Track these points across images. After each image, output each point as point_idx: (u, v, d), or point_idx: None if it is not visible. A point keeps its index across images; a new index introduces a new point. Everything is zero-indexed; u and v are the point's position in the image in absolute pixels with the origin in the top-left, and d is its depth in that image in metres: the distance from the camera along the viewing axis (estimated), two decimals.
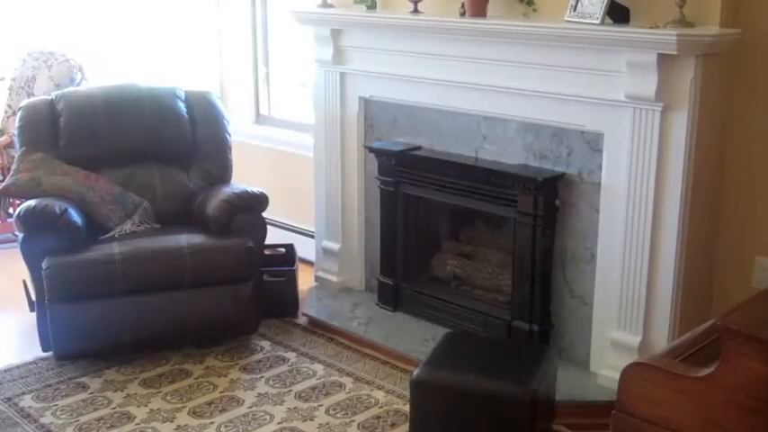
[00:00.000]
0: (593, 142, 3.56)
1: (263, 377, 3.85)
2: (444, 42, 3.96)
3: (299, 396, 3.68)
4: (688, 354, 2.74)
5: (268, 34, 5.72)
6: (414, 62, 4.13)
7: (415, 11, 4.01)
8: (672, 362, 2.65)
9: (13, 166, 4.32)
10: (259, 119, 5.73)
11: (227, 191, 4.28)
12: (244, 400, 3.65)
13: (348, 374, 3.87)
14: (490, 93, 3.84)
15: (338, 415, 3.53)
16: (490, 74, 3.81)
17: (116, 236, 4.12)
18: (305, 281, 4.71)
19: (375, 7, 4.27)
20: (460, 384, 3.08)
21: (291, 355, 4.05)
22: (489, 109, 3.89)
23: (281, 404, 3.61)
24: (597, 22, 3.34)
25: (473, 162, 3.99)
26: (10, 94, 5.91)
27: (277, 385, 3.77)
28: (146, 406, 3.60)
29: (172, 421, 3.48)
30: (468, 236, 4.37)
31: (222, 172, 4.57)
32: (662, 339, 3.43)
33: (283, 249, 4.67)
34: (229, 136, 4.64)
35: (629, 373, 2.66)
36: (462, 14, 3.84)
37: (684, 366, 2.61)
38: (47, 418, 3.51)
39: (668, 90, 3.26)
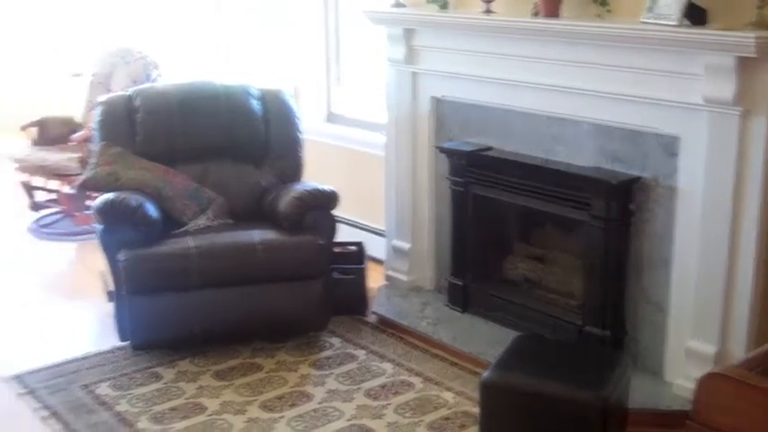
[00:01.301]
0: (669, 146, 3.51)
1: (332, 374, 3.88)
2: (517, 42, 3.94)
3: (368, 394, 3.71)
4: (766, 365, 2.68)
5: (340, 33, 5.75)
6: (486, 62, 4.11)
7: (488, 11, 4.00)
8: (749, 373, 2.60)
9: (92, 160, 4.43)
10: (331, 117, 5.77)
11: (298, 188, 4.32)
12: (314, 396, 3.69)
13: (417, 374, 3.88)
14: (563, 94, 3.81)
15: (407, 414, 3.55)
16: (563, 75, 3.77)
17: (190, 230, 4.20)
18: (374, 279, 4.73)
19: (447, 7, 4.27)
20: (531, 388, 3.06)
21: (361, 353, 4.08)
22: (561, 110, 3.86)
23: (350, 401, 3.64)
24: (674, 23, 3.27)
25: (544, 164, 3.96)
26: (90, 89, 6.06)
27: (346, 382, 3.81)
28: (217, 398, 3.67)
29: (243, 413, 3.54)
30: (539, 238, 4.34)
31: (294, 170, 4.62)
32: (739, 349, 3.36)
33: (353, 247, 4.70)
34: (301, 134, 4.69)
35: (704, 383, 2.62)
36: (535, 15, 3.82)
37: (762, 378, 2.56)
38: (122, 407, 3.59)
39: (747, 94, 3.19)
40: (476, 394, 3.36)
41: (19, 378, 3.83)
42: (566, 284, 4.10)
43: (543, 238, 4.32)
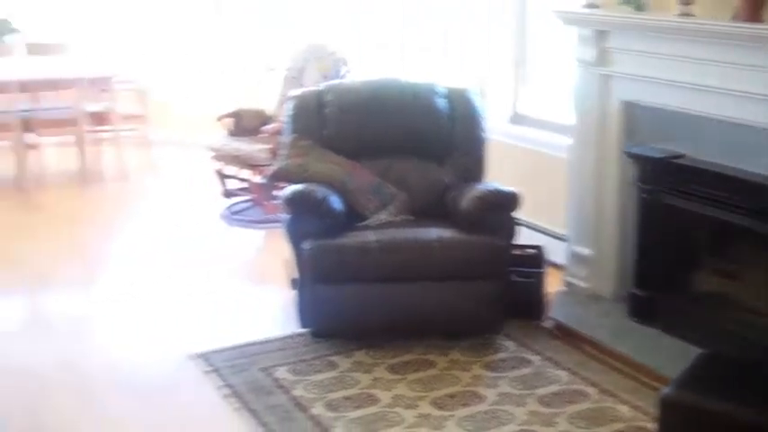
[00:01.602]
0: None
1: (505, 377, 3.84)
2: (716, 47, 3.74)
3: (540, 400, 3.64)
4: None
5: (528, 32, 5.68)
6: (682, 66, 3.94)
7: (686, 14, 3.83)
8: None
9: (283, 152, 4.60)
10: (516, 118, 5.71)
11: (480, 188, 4.32)
12: (485, 397, 3.67)
13: (593, 384, 3.77)
14: (762, 103, 3.59)
15: (580, 424, 3.46)
16: (763, 83, 3.55)
17: (372, 224, 4.28)
18: (552, 284, 4.65)
19: (643, 9, 4.12)
20: (717, 411, 2.90)
21: (535, 358, 4.02)
22: (761, 119, 3.63)
23: (522, 406, 3.59)
24: None
25: (743, 175, 3.74)
26: (284, 84, 6.29)
27: (519, 386, 3.76)
28: (390, 391, 3.71)
29: (414, 408, 3.56)
30: (731, 253, 4.11)
31: (476, 169, 4.61)
32: None
33: (532, 251, 4.64)
34: (486, 134, 4.67)
35: None
36: (735, 18, 3.61)
37: None
38: (298, 391, 3.71)
39: None
40: (653, 410, 3.23)
41: (205, 356, 4.03)
42: (759, 303, 3.87)
43: (736, 253, 4.10)
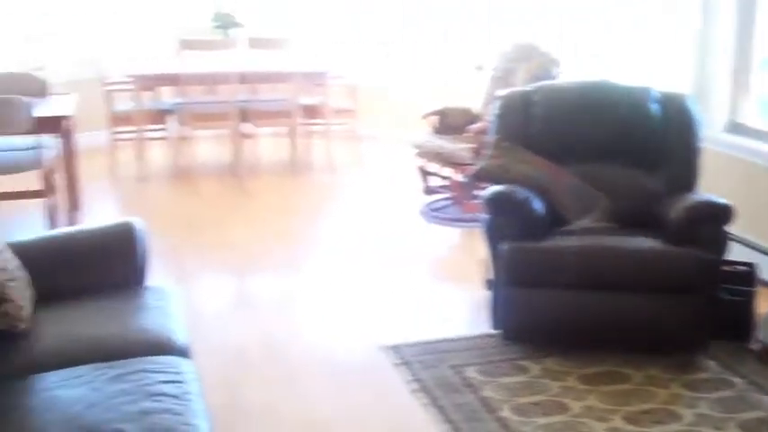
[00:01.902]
0: None
1: (706, 398, 3.64)
2: None
3: (742, 426, 3.42)
4: None
5: (753, 39, 5.35)
6: None
7: None
8: None
9: (486, 151, 4.59)
10: (732, 126, 5.41)
11: (690, 198, 4.13)
12: (682, 417, 3.49)
13: None
14: None
15: None
16: None
17: (574, 229, 4.19)
18: (763, 305, 4.37)
19: None
20: None
21: (739, 382, 3.79)
22: None
23: (721, 429, 3.39)
24: None
25: None
26: (491, 83, 6.28)
27: (719, 409, 3.55)
28: (581, 401, 3.61)
29: (605, 421, 3.45)
30: None
31: (688, 179, 4.39)
32: None
33: (744, 267, 4.37)
34: (701, 142, 4.46)
35: None
36: None
37: None
38: (486, 392, 3.69)
39: None
40: None
41: (396, 349, 4.09)
42: None
43: None
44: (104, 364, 2.72)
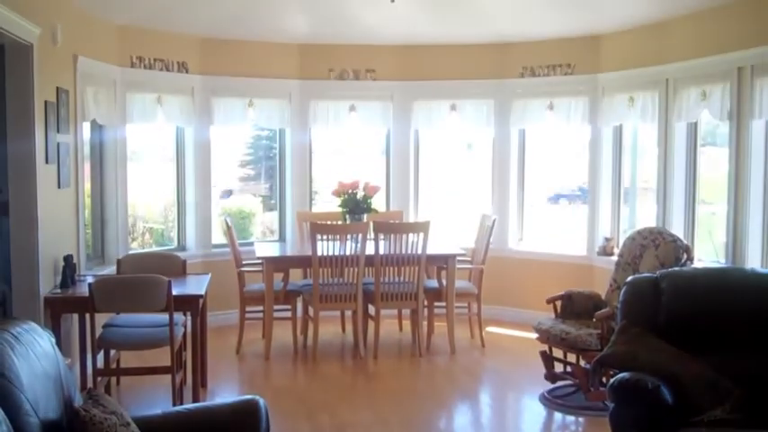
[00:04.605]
0: None
1: None
2: None
3: None
4: None
5: None
6: None
7: None
8: None
9: (612, 338, 4.49)
10: None
11: None
12: None
13: None
14: None
15: None
16: None
17: (705, 421, 3.98)
18: None
19: None
20: None
21: None
22: None
23: None
24: None
25: None
26: (616, 269, 6.21)
27: None
28: None
29: None
30: None
31: None
32: None
33: None
34: None
35: None
36: None
37: None
38: None
39: None
40: None
41: None
42: None
43: None
44: None
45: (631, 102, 7.41)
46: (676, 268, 5.30)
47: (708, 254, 6.76)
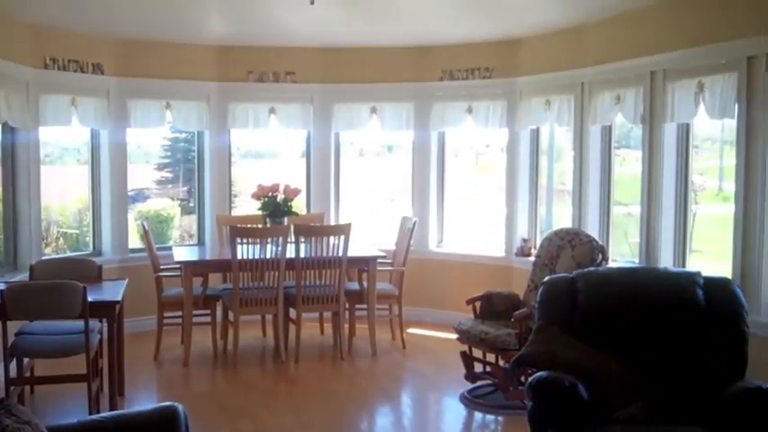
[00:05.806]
0: None
1: None
2: None
3: None
4: None
5: None
6: None
7: None
8: None
9: (530, 337, 4.56)
10: None
11: (739, 386, 4.04)
12: None
13: None
14: None
15: None
16: None
17: (620, 418, 4.07)
18: None
19: None
20: None
21: None
22: None
23: None
24: None
25: None
26: (534, 270, 6.31)
27: None
28: None
29: None
30: None
31: (735, 367, 4.31)
32: None
33: None
34: (748, 329, 4.39)
35: None
36: None
37: None
38: None
39: None
40: None
41: None
42: None
43: None
44: None
45: (548, 105, 7.55)
46: (592, 268, 5.42)
47: (624, 254, 6.94)
